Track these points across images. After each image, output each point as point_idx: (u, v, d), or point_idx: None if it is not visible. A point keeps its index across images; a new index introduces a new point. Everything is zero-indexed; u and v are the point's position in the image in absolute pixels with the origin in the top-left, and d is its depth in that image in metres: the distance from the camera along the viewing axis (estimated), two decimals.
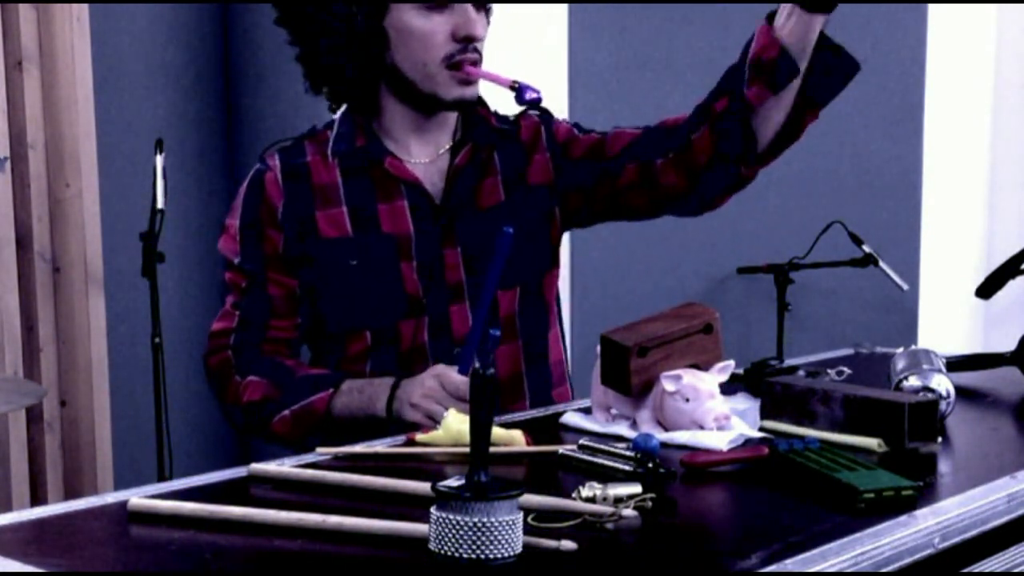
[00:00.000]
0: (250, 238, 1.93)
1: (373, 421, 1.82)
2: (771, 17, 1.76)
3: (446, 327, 1.92)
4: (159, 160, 2.99)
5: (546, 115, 2.03)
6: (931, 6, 3.86)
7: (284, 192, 1.91)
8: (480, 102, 1.97)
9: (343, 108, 1.97)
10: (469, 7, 1.85)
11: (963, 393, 1.82)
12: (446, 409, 1.62)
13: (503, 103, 1.97)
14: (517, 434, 1.55)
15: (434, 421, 1.69)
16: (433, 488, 1.10)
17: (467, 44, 1.85)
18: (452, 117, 1.96)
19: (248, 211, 1.93)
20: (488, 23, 1.92)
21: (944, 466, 1.52)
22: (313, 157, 1.93)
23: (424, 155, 1.94)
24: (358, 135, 1.92)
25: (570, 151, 1.99)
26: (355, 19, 1.85)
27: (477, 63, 1.87)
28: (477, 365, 1.11)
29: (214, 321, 1.97)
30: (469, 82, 1.88)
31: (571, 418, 1.71)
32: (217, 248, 1.98)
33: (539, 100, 1.85)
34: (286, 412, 1.87)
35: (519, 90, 1.84)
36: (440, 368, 1.79)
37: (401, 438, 1.62)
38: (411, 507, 1.24)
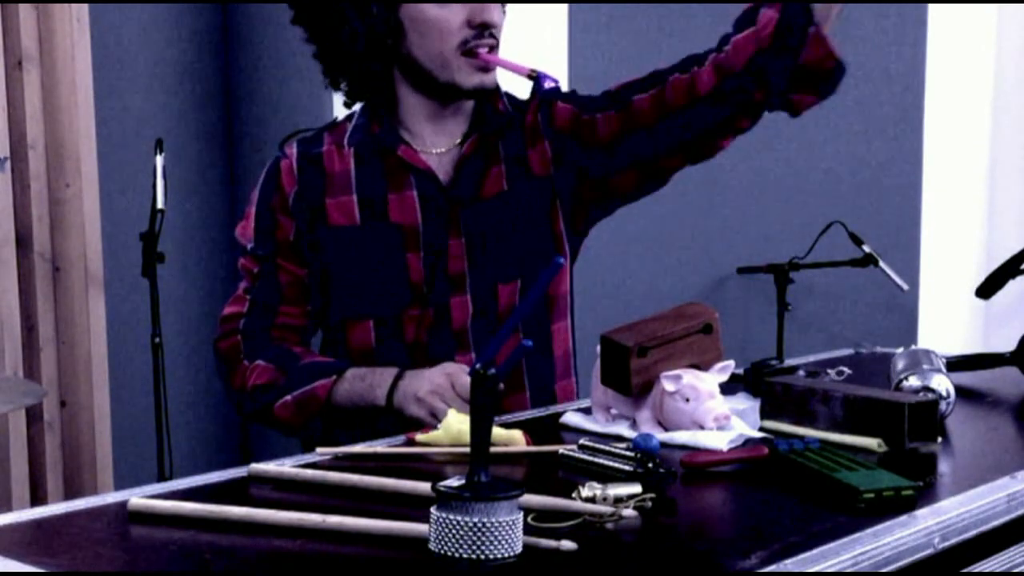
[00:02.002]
0: (263, 225, 1.95)
1: (372, 410, 1.82)
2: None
3: (445, 318, 1.91)
4: (159, 160, 2.99)
5: (547, 100, 1.98)
6: (931, 6, 3.86)
7: (297, 180, 1.93)
8: (497, 91, 1.95)
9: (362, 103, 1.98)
10: None
11: (963, 393, 1.82)
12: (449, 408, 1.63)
13: (521, 88, 1.95)
14: (517, 434, 1.55)
15: (435, 419, 1.69)
16: (433, 488, 1.10)
17: (483, 30, 1.84)
18: (468, 106, 1.96)
19: (263, 199, 1.96)
20: (504, 12, 1.90)
21: (944, 466, 1.52)
22: (329, 147, 1.95)
23: (439, 145, 1.94)
24: (373, 124, 1.94)
25: (581, 133, 1.94)
26: (370, 12, 1.85)
27: (494, 49, 1.87)
28: (478, 365, 1.11)
29: (226, 305, 1.99)
30: (487, 69, 1.87)
31: (571, 418, 1.71)
32: (235, 235, 2.00)
33: (557, 89, 1.85)
34: (288, 397, 1.87)
35: (537, 79, 1.83)
36: (452, 367, 1.79)
37: (401, 438, 1.62)
38: (411, 507, 1.24)
